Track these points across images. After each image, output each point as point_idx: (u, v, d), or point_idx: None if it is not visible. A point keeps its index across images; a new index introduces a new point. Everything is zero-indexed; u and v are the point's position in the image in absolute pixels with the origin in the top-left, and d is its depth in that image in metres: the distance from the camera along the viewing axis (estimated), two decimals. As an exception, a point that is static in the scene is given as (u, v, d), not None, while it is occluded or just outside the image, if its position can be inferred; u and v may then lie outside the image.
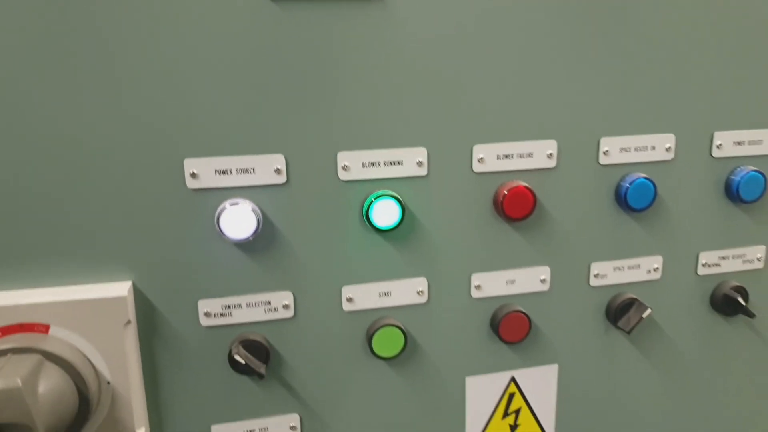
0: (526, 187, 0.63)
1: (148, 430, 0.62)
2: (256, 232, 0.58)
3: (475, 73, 0.61)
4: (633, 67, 0.65)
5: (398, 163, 0.61)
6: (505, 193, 0.63)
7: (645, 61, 0.65)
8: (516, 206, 0.63)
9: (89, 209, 0.56)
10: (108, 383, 0.59)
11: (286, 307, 0.63)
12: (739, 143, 0.69)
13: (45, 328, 0.57)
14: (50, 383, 0.54)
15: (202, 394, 0.63)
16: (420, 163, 0.61)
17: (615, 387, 0.74)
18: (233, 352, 0.60)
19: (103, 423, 0.60)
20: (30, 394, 0.51)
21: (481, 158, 0.63)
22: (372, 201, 0.60)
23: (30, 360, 0.53)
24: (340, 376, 0.66)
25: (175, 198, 0.58)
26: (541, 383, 0.72)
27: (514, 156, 0.64)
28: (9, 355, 0.54)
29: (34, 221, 0.56)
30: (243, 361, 0.60)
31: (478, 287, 0.67)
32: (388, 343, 0.64)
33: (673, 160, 0.68)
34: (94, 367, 0.58)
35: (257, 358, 0.62)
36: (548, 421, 0.74)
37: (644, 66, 0.65)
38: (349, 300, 0.64)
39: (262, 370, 0.61)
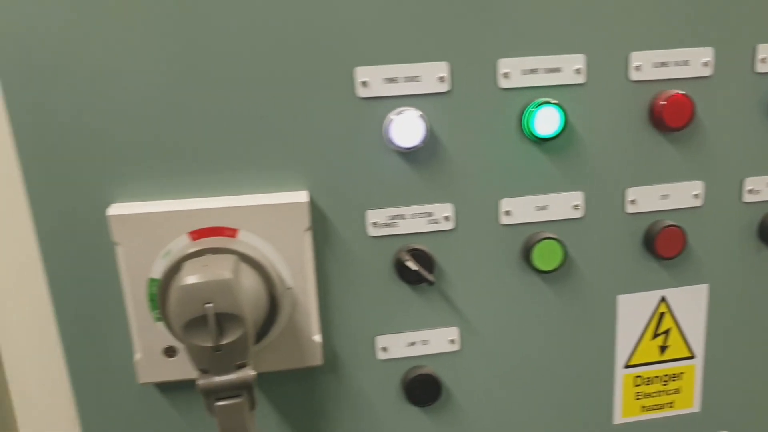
0: (684, 95, 0.65)
1: (321, 337, 0.66)
2: (424, 139, 0.62)
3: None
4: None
5: (557, 70, 0.64)
6: (663, 102, 0.65)
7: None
8: (675, 115, 0.65)
9: (267, 120, 0.62)
10: (289, 288, 0.64)
11: (447, 218, 0.66)
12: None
13: (234, 233, 0.62)
14: (248, 281, 0.59)
15: (366, 305, 0.67)
16: (578, 71, 0.64)
17: (766, 309, 0.75)
18: (404, 258, 0.64)
19: (284, 329, 0.64)
20: (238, 286, 0.56)
21: (639, 66, 0.65)
22: (533, 109, 0.63)
23: (229, 259, 0.59)
24: (498, 289, 0.69)
25: (347, 107, 0.62)
26: (690, 304, 0.73)
27: (670, 64, 0.66)
28: (207, 254, 0.59)
29: (216, 134, 0.61)
30: (415, 267, 0.64)
31: (633, 202, 0.69)
32: (547, 256, 0.67)
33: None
34: (277, 271, 0.63)
35: (424, 267, 0.65)
36: (697, 343, 0.75)
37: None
38: (507, 213, 0.67)
39: (432, 277, 0.64)
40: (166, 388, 0.67)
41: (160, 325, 0.63)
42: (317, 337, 0.66)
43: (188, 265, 0.58)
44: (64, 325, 0.64)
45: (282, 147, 0.62)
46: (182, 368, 0.64)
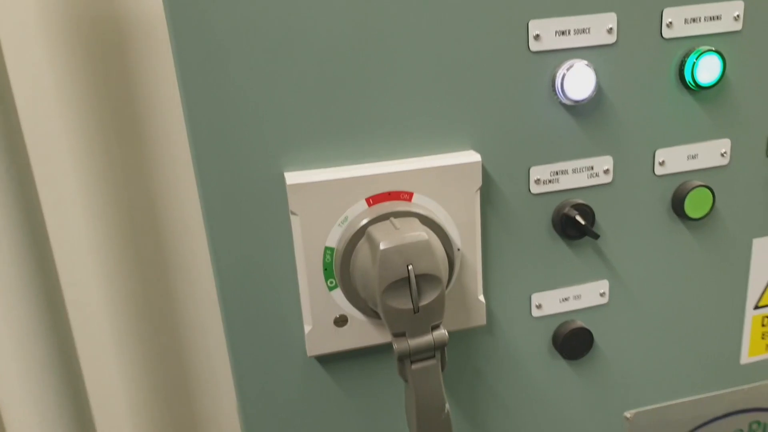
0: None
1: (484, 297, 0.67)
2: (593, 92, 0.62)
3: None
4: None
5: (717, 18, 0.65)
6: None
7: None
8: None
9: (438, 80, 0.60)
10: (458, 249, 0.63)
11: (606, 172, 0.67)
12: None
13: (409, 196, 0.61)
14: (435, 243, 0.58)
15: (525, 263, 0.68)
16: (737, 17, 0.65)
17: None
18: (573, 214, 0.65)
19: (452, 289, 0.64)
20: (434, 247, 0.56)
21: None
22: (696, 57, 0.64)
23: (415, 221, 0.58)
24: (647, 240, 0.71)
25: (518, 62, 0.62)
26: (815, 244, 0.77)
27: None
28: (391, 218, 0.58)
29: (387, 97, 0.60)
30: (584, 222, 0.64)
31: (773, 143, 0.71)
32: (698, 204, 0.69)
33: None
34: (448, 233, 0.62)
35: (587, 221, 0.66)
36: (819, 282, 0.79)
37: None
38: (662, 164, 0.68)
39: (596, 232, 0.65)
40: (331, 360, 0.66)
41: (334, 294, 0.62)
42: (481, 297, 0.66)
43: (377, 229, 0.57)
44: (228, 303, 0.62)
45: (451, 106, 0.61)
46: (352, 337, 0.64)
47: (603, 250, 0.70)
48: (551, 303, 0.70)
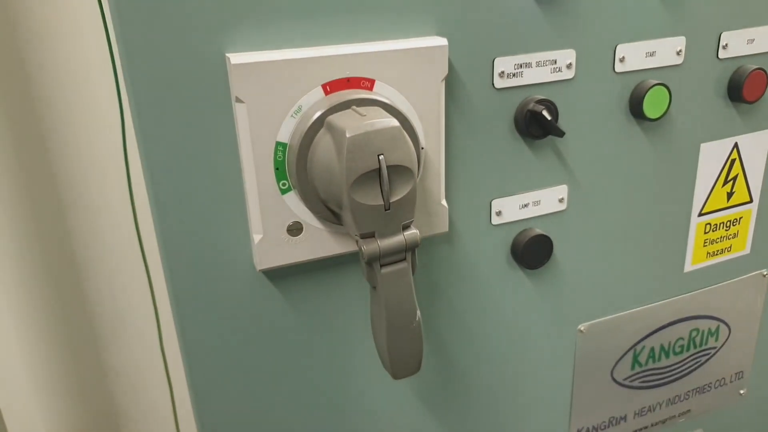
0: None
1: (446, 202, 0.64)
2: (563, -24, 0.60)
3: None
4: None
5: None
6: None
7: None
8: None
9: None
10: (422, 148, 0.60)
11: (569, 66, 0.65)
12: None
13: (370, 84, 0.56)
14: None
15: (485, 166, 0.66)
16: None
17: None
18: (539, 109, 0.63)
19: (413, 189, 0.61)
20: (405, 135, 0.52)
21: None
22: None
23: (379, 110, 0.54)
24: (605, 142, 0.70)
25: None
26: (756, 149, 0.80)
27: None
28: (353, 107, 0.54)
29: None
30: (550, 117, 0.63)
31: (725, 47, 0.72)
32: (656, 103, 0.69)
33: None
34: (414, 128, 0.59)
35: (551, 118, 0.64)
36: (756, 188, 0.83)
37: None
38: (621, 60, 0.68)
39: (561, 129, 0.64)
40: (284, 274, 0.61)
41: (287, 197, 0.57)
42: (444, 202, 0.63)
43: (341, 117, 0.52)
44: (162, 209, 0.55)
45: (413, -16, 0.57)
46: (308, 247, 0.59)
47: (563, 152, 0.69)
48: (511, 209, 0.69)
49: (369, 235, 0.52)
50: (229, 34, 0.53)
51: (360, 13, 0.56)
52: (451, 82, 0.61)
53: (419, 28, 0.58)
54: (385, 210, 0.52)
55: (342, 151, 0.49)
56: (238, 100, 0.53)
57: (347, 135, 0.49)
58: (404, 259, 0.54)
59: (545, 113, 0.63)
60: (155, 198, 0.55)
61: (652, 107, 0.69)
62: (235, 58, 0.52)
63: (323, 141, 0.53)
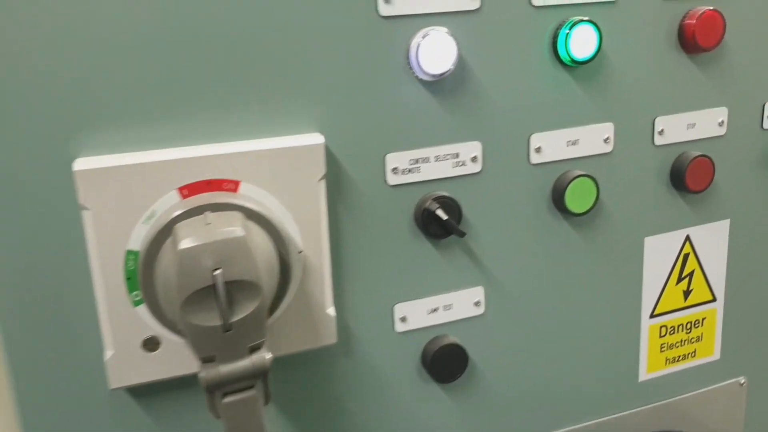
0: (715, 11, 0.67)
1: (334, 309, 0.61)
2: (454, 64, 0.59)
3: None
4: None
5: (591, -13, 0.63)
6: (694, 21, 0.66)
7: None
8: (707, 34, 0.67)
9: (269, 46, 0.55)
10: (300, 252, 0.58)
11: (474, 159, 0.63)
12: None
13: (235, 185, 0.55)
14: (259, 242, 0.52)
15: (384, 268, 0.63)
16: (607, -11, 0.64)
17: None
18: (433, 208, 0.61)
19: (294, 299, 0.59)
20: (252, 246, 0.50)
21: (673, -20, 0.66)
22: (569, 28, 0.62)
23: (235, 216, 0.52)
24: (525, 239, 0.68)
25: (367, 27, 0.57)
26: (712, 241, 0.77)
27: None
28: (207, 212, 0.52)
29: (206, 65, 0.54)
30: (446, 217, 0.60)
31: (661, 132, 0.70)
32: (580, 196, 0.66)
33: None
34: (286, 231, 0.57)
35: (452, 217, 0.62)
36: (718, 284, 0.78)
37: None
38: (538, 150, 0.65)
39: (464, 228, 0.62)
40: (143, 392, 0.58)
41: (140, 310, 0.55)
42: (331, 310, 0.61)
43: (184, 226, 0.50)
44: (7, 326, 0.54)
45: (287, 79, 0.56)
46: (165, 364, 0.57)
47: (476, 251, 0.66)
48: (418, 315, 0.65)
49: (209, 360, 0.50)
50: (80, 138, 0.52)
51: (227, 111, 0.55)
52: (339, 179, 0.60)
53: (297, 125, 0.57)
54: (225, 331, 0.49)
55: (174, 264, 0.48)
56: (83, 207, 0.52)
57: (180, 246, 0.47)
58: (252, 386, 0.51)
59: (440, 212, 0.61)
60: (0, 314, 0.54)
61: (576, 201, 0.66)
62: (80, 163, 0.51)
63: (167, 251, 0.51)
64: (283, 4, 0.55)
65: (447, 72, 0.59)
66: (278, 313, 0.58)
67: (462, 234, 0.61)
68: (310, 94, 0.57)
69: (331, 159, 0.59)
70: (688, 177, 0.70)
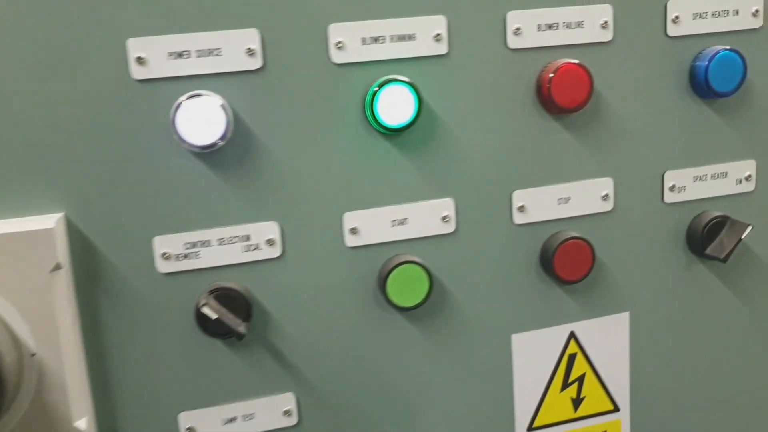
0: (578, 65, 0.56)
1: (94, 421, 0.53)
2: (225, 135, 0.50)
3: None
4: None
5: (409, 37, 0.54)
6: (552, 75, 0.56)
7: None
8: (567, 91, 0.56)
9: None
10: (32, 355, 0.50)
11: (270, 243, 0.55)
12: None
13: (-60, 278, 0.48)
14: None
15: (163, 369, 0.55)
16: (438, 37, 0.54)
17: (706, 340, 0.67)
18: (201, 304, 0.52)
19: (28, 410, 0.51)
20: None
21: (518, 29, 0.56)
22: (376, 90, 0.52)
23: None
24: (347, 335, 0.58)
25: (118, 93, 0.50)
26: (609, 339, 0.64)
27: (560, 26, 0.57)
28: None
29: None
30: (214, 316, 0.51)
31: (521, 209, 0.59)
32: (407, 287, 0.56)
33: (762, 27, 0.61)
34: (10, 331, 0.49)
35: (235, 313, 0.53)
36: (621, 391, 0.66)
37: None
38: (353, 231, 0.56)
39: (242, 328, 0.52)
40: None
41: None
42: (82, 423, 0.52)
43: None
44: None
45: (27, 154, 0.49)
46: None
47: (283, 350, 0.57)
48: (209, 426, 0.56)
49: None
50: None
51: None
52: (93, 267, 0.52)
53: (35, 203, 0.50)
54: None
55: None
56: None
57: None
58: None
59: (207, 311, 0.51)
60: None
61: (401, 292, 0.56)
62: None
63: None
64: (18, 69, 0.48)
65: (213, 145, 0.50)
66: (10, 427, 0.50)
67: (240, 337, 0.52)
68: (56, 170, 0.50)
69: (84, 243, 0.51)
70: (557, 263, 0.59)
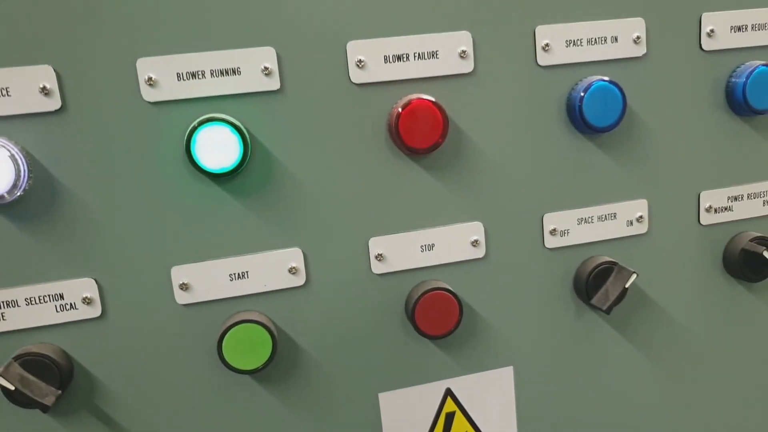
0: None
1: None
2: (15, 185, 0.46)
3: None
4: None
5: (233, 72, 0.49)
6: (400, 110, 0.50)
7: None
8: (417, 131, 0.51)
9: None
10: None
11: (88, 301, 0.50)
12: None
13: None
14: None
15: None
16: (268, 71, 0.49)
17: (597, 390, 0.62)
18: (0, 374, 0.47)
19: None
20: None
21: (361, 61, 0.51)
22: (194, 130, 0.48)
23: None
24: (183, 400, 0.54)
25: None
26: (491, 396, 0.59)
27: (411, 57, 0.52)
28: None
29: None
30: (12, 387, 0.47)
31: (379, 257, 0.54)
32: (247, 348, 0.52)
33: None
34: None
35: (46, 380, 0.49)
36: (509, 450, 0.61)
37: None
38: (184, 287, 0.51)
39: (49, 399, 0.48)
40: None
41: None
42: None
43: None
44: None
45: None
46: None
47: (113, 417, 0.52)
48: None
49: None
50: None
51: None
52: None
53: None
54: None
55: None
56: None
57: None
58: None
59: (4, 382, 0.47)
60: None
61: (239, 355, 0.51)
62: None
63: None
64: None
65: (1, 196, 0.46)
66: None
67: (44, 409, 0.48)
68: None
69: None
70: (418, 316, 0.54)
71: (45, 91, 0.47)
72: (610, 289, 0.56)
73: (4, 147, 0.45)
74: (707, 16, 0.57)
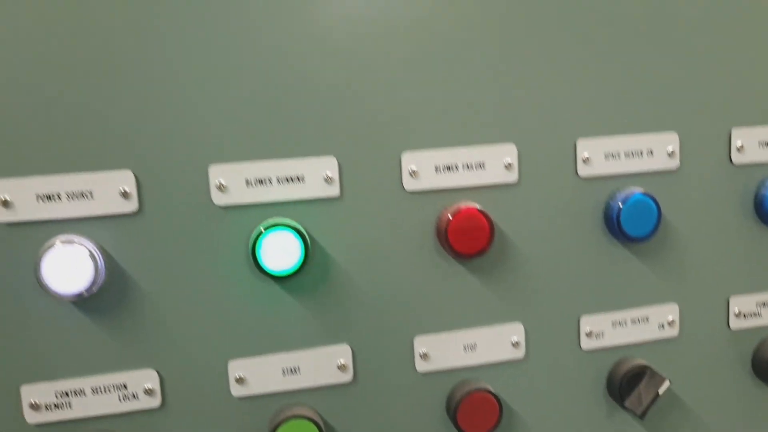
0: (478, 210, 0.55)
1: None
2: (94, 282, 0.49)
3: (405, 75, 0.55)
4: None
5: (298, 179, 0.53)
6: (450, 217, 0.54)
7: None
8: (465, 237, 0.54)
9: None
10: None
11: (149, 392, 0.53)
12: None
13: None
14: None
15: None
16: (329, 179, 0.53)
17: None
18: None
19: None
20: None
21: (414, 171, 0.55)
22: (260, 234, 0.51)
23: None
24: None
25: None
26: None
27: (460, 167, 0.56)
28: None
29: None
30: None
31: (423, 356, 0.57)
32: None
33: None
34: None
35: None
36: None
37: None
38: (240, 381, 0.54)
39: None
40: None
41: None
42: None
43: None
44: None
45: None
46: None
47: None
48: None
49: None
50: None
51: None
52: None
53: None
54: None
55: None
56: None
57: None
58: None
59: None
60: None
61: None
62: None
63: None
64: None
65: (81, 293, 0.49)
66: None
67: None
68: None
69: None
70: (460, 415, 0.56)
71: (125, 194, 0.51)
72: (643, 393, 0.58)
73: (85, 247, 0.49)
74: (737, 131, 0.61)
